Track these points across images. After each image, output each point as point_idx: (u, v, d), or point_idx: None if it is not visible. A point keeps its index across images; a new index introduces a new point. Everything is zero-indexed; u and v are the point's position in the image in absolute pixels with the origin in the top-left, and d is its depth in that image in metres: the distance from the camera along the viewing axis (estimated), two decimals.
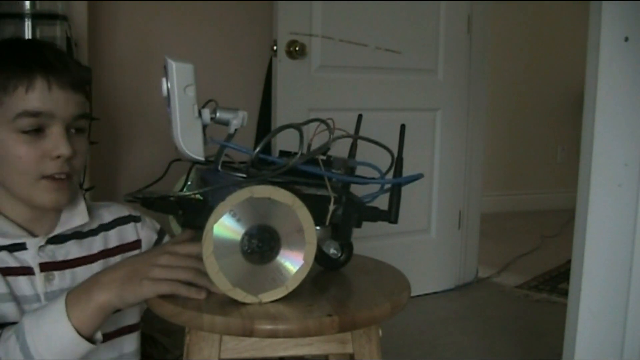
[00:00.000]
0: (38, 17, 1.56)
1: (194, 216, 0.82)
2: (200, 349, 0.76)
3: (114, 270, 0.84)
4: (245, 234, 0.75)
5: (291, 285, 0.77)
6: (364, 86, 2.44)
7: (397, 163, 0.87)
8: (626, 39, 1.30)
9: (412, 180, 0.85)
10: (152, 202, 0.83)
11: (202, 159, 0.81)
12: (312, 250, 0.77)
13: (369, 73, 2.45)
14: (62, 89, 0.92)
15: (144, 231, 1.10)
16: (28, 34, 1.54)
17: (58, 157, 0.92)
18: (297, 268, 0.77)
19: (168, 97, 0.79)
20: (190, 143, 0.80)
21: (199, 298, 0.78)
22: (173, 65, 0.77)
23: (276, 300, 0.76)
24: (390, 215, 0.87)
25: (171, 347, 1.48)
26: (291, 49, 2.23)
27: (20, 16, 1.53)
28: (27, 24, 1.54)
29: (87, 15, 1.82)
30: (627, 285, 1.35)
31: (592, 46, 1.35)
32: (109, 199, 1.11)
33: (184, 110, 0.78)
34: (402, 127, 0.87)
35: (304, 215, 0.76)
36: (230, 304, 0.75)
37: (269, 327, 0.71)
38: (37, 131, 0.92)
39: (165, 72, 0.79)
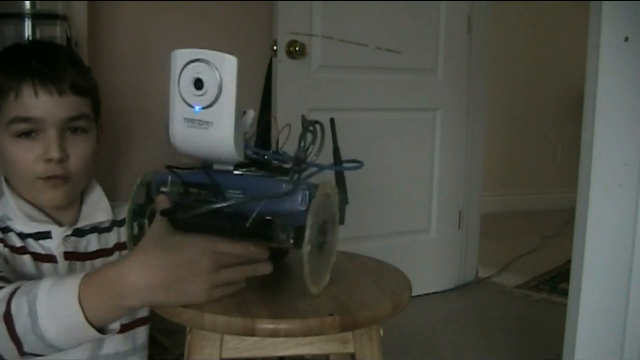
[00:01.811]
0: (38, 17, 1.55)
1: (231, 224, 0.75)
2: (202, 348, 0.76)
3: (145, 271, 0.74)
4: (319, 229, 0.77)
5: (329, 272, 0.81)
6: (364, 86, 2.44)
7: (335, 153, 0.88)
8: (626, 39, 1.30)
9: (352, 169, 0.84)
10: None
11: (243, 160, 0.76)
12: (336, 239, 0.83)
13: (369, 73, 2.45)
14: (49, 95, 0.95)
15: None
16: (28, 34, 1.54)
17: (49, 160, 0.95)
18: (333, 256, 0.82)
19: (217, 93, 0.72)
20: (239, 144, 0.74)
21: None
22: (233, 60, 0.73)
23: (278, 300, 0.77)
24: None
25: (171, 347, 1.48)
26: (291, 49, 2.23)
27: (20, 16, 1.53)
28: (27, 24, 1.54)
29: (87, 15, 1.81)
30: (627, 285, 1.35)
31: (592, 46, 1.35)
32: (108, 198, 1.13)
33: (237, 110, 0.73)
34: (332, 120, 0.88)
35: (337, 207, 0.81)
36: (231, 303, 0.75)
37: (270, 326, 0.71)
38: (32, 134, 0.96)
39: (208, 66, 0.73)
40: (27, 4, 1.54)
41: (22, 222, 0.98)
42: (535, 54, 4.26)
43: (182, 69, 0.74)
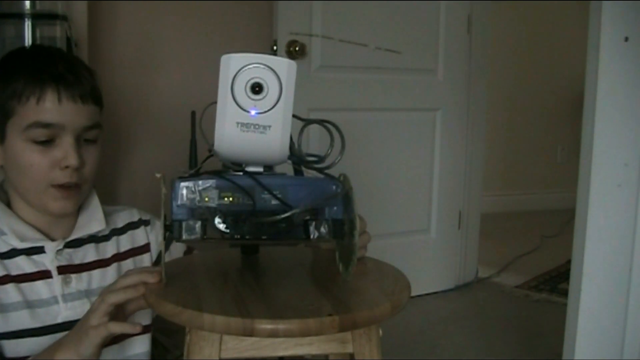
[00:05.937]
0: (38, 17, 1.55)
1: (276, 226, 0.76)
2: (201, 349, 0.76)
3: (71, 330, 0.86)
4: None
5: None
6: (364, 86, 2.44)
7: (192, 145, 0.83)
8: (626, 39, 1.30)
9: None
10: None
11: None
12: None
13: (369, 73, 2.45)
14: (72, 101, 0.94)
15: (152, 234, 1.12)
16: (28, 34, 1.53)
17: (67, 167, 0.94)
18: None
19: (277, 97, 0.72)
20: (287, 146, 0.76)
21: (134, 331, 0.83)
22: (293, 65, 0.73)
23: (277, 300, 0.77)
24: None
25: (171, 347, 1.48)
26: (291, 49, 2.23)
27: (20, 16, 1.53)
28: (27, 24, 1.54)
29: (87, 15, 1.81)
30: (627, 285, 1.35)
31: (592, 46, 1.35)
32: (108, 200, 1.12)
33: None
34: (193, 113, 0.82)
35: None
36: (231, 303, 0.75)
37: (269, 326, 0.71)
38: (48, 141, 0.94)
39: (267, 70, 0.72)
40: (27, 4, 1.54)
41: (14, 237, 0.97)
42: (535, 54, 4.26)
43: (237, 73, 0.72)
